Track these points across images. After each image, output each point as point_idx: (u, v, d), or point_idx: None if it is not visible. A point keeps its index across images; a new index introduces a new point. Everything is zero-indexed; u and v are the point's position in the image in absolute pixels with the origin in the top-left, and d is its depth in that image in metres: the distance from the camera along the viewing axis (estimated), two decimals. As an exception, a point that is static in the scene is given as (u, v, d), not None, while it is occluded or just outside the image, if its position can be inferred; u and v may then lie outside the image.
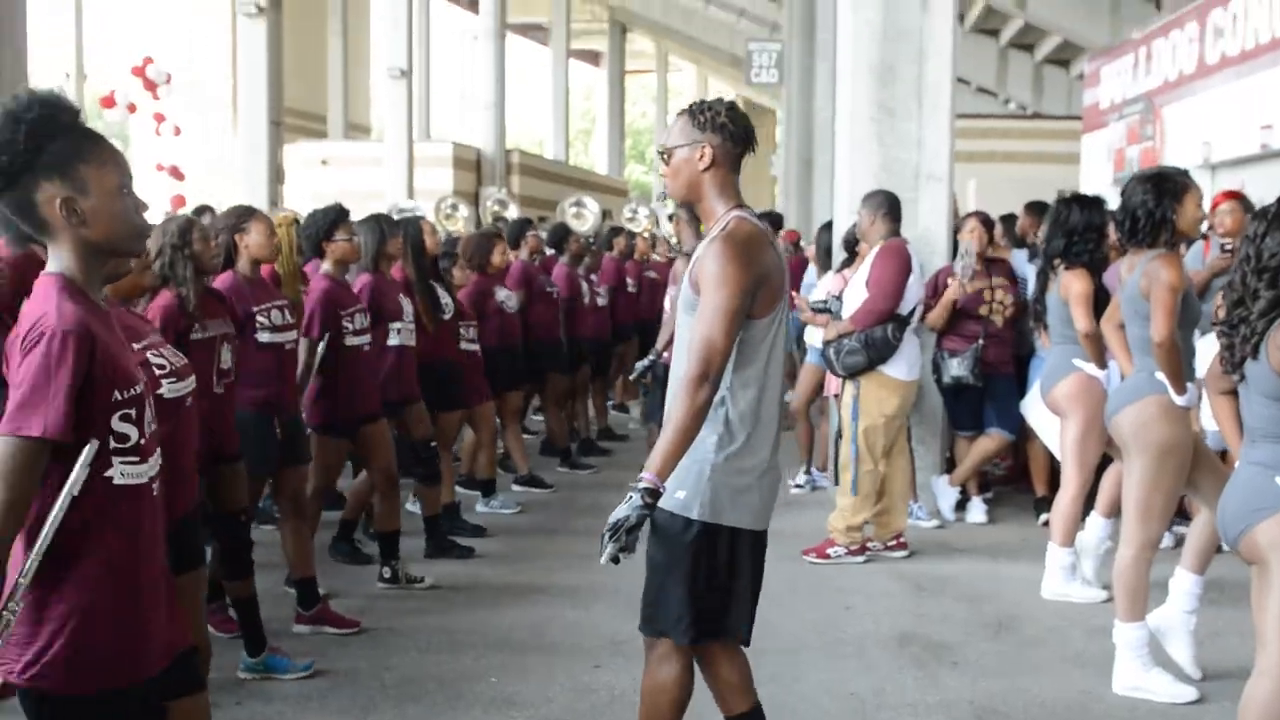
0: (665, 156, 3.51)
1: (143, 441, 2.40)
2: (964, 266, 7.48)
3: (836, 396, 7.16)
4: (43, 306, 2.28)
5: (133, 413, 2.36)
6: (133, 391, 2.36)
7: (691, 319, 3.34)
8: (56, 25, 24.80)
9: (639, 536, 3.16)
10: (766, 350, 3.40)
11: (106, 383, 2.31)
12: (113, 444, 2.35)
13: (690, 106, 3.50)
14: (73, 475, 2.31)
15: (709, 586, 3.41)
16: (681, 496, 3.36)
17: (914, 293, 6.80)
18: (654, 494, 3.18)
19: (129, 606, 2.38)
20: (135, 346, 3.04)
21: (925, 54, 7.98)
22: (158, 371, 3.06)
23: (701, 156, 3.42)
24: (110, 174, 2.33)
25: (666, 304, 8.36)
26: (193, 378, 3.21)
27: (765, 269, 3.35)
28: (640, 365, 7.80)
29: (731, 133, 3.43)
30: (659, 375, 7.76)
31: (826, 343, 6.81)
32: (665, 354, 7.62)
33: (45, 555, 2.29)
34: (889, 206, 6.95)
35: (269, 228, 5.29)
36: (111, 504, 2.36)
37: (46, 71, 33.38)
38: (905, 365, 6.75)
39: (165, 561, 2.51)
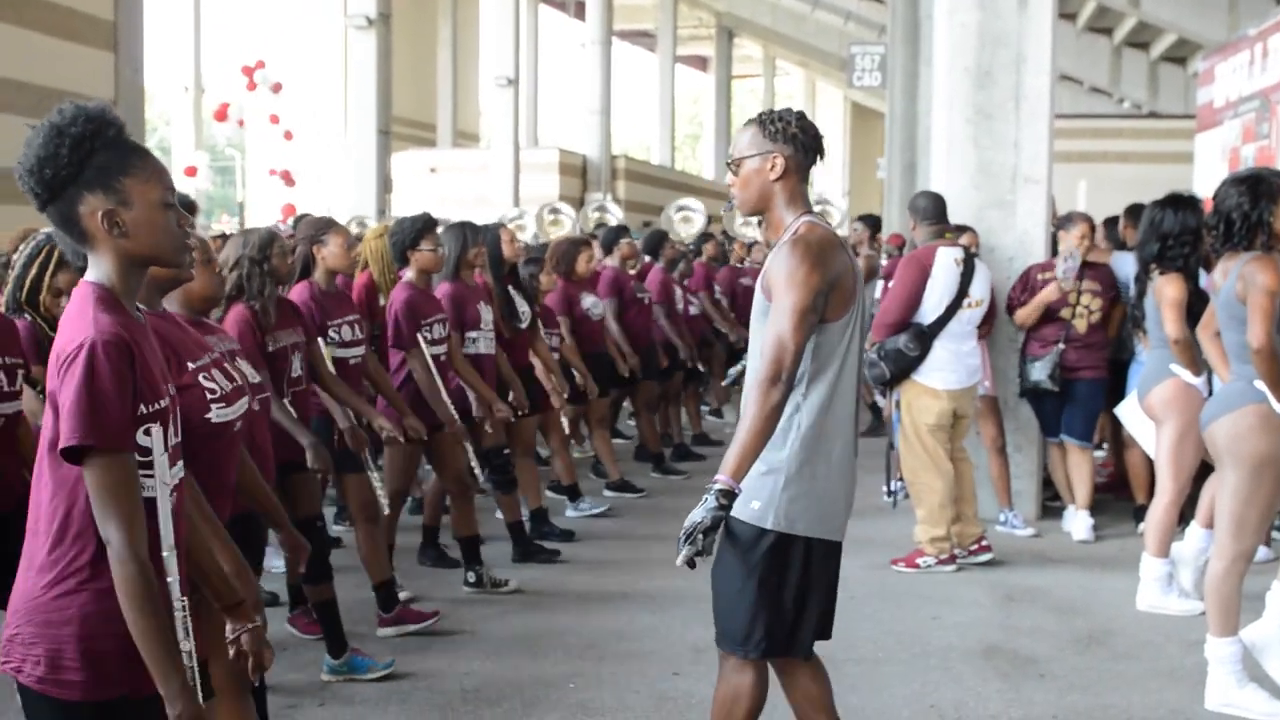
0: (734, 167, 3.45)
1: (165, 454, 2.39)
2: (1066, 269, 7.20)
3: (898, 405, 6.95)
4: (78, 319, 2.30)
5: (155, 426, 2.35)
6: (158, 405, 2.36)
7: (764, 325, 3.31)
8: (173, 40, 25.48)
9: (715, 539, 3.14)
10: (841, 355, 3.35)
11: (135, 395, 2.31)
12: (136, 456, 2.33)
13: (760, 116, 3.43)
14: (156, 460, 2.33)
15: (781, 599, 3.37)
16: (756, 507, 3.33)
17: (934, 302, 6.58)
18: (729, 495, 3.16)
19: None
20: (191, 365, 3.08)
21: (1023, 56, 7.86)
22: (208, 396, 3.07)
23: (773, 167, 3.37)
24: (154, 188, 2.36)
25: None
26: (244, 400, 3.21)
27: (837, 272, 3.30)
28: (733, 371, 7.76)
29: (803, 143, 3.38)
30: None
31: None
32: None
33: (73, 559, 2.29)
34: (925, 210, 6.83)
35: (346, 240, 5.35)
36: None
37: (164, 86, 34.31)
38: (941, 374, 6.60)
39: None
